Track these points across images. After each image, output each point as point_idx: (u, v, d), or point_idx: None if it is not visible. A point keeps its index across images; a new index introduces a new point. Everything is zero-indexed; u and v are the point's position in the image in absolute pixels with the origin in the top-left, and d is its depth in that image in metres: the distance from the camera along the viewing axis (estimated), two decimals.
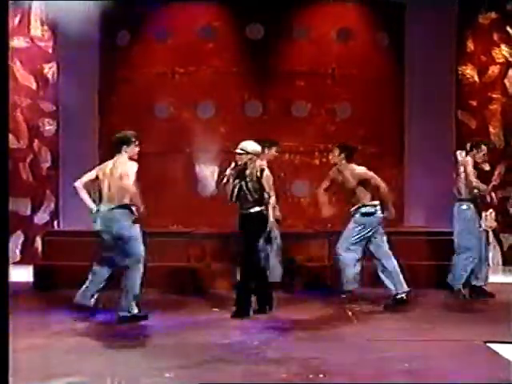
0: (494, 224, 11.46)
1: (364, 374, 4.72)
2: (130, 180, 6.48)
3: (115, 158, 6.79)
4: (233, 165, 6.95)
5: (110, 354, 5.35)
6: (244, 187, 6.84)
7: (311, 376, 4.56)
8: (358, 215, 7.56)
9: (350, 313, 7.02)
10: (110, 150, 10.88)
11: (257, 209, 6.88)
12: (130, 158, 6.73)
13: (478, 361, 5.09)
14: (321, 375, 4.57)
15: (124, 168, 6.58)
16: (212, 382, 4.34)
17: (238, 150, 6.91)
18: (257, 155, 6.96)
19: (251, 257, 6.92)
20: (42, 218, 11.30)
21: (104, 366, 4.90)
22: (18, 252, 11.26)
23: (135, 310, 6.50)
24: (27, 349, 5.46)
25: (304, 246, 9.03)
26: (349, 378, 4.59)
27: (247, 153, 6.88)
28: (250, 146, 6.93)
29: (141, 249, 6.50)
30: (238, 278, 7.21)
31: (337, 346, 5.57)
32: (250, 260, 6.93)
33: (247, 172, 6.85)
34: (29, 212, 11.30)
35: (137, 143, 6.84)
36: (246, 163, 6.86)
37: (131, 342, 5.80)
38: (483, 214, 11.55)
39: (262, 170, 6.90)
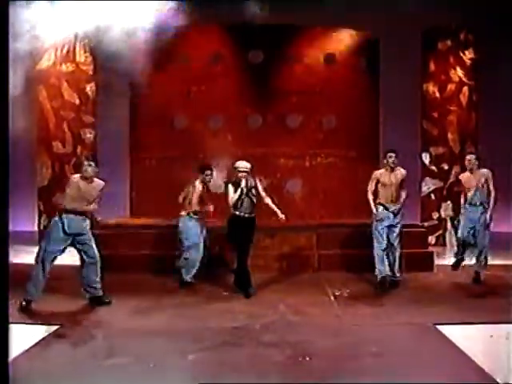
0: (451, 213, 11.76)
1: (340, 356, 4.82)
2: None
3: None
4: (243, 183, 7.03)
5: (142, 339, 5.37)
6: (249, 196, 7.07)
7: (300, 359, 4.67)
8: None
9: (332, 297, 6.95)
10: (138, 154, 11.29)
11: (253, 214, 7.18)
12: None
13: (425, 343, 5.20)
14: (307, 358, 4.68)
15: None
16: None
17: (244, 169, 7.08)
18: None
19: (249, 248, 7.21)
20: None
21: (138, 350, 4.98)
22: None
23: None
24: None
25: (295, 236, 8.91)
26: (329, 360, 4.70)
27: (249, 170, 7.12)
28: (249, 164, 7.15)
29: None
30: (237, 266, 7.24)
31: (319, 329, 5.60)
32: (249, 250, 7.20)
33: (250, 185, 7.08)
34: None
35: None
36: (247, 178, 7.07)
37: (156, 326, 5.80)
38: (442, 205, 11.88)
39: (256, 184, 7.17)
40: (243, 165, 7.11)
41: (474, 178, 7.72)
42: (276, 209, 7.18)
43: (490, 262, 9.35)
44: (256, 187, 7.15)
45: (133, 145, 11.48)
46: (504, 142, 11.72)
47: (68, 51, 11.19)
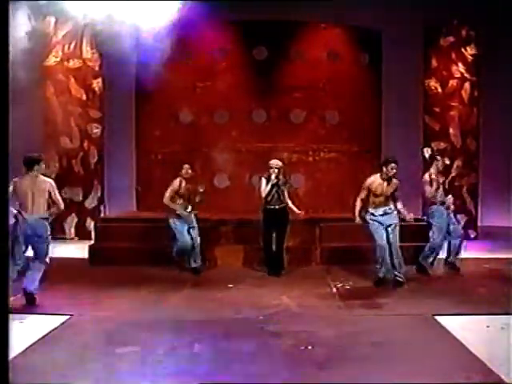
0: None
1: (339, 345, 4.94)
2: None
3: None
4: (273, 176, 7.82)
5: (150, 329, 5.46)
6: (277, 190, 7.89)
7: (302, 348, 4.79)
8: None
9: (334, 289, 7.07)
10: (144, 148, 11.42)
11: (283, 204, 7.91)
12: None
13: (424, 333, 5.33)
14: (309, 347, 4.81)
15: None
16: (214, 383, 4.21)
17: (274, 166, 7.87)
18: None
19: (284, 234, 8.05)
20: (91, 203, 11.55)
21: (146, 339, 5.09)
22: (72, 230, 11.50)
23: None
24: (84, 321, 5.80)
25: (298, 230, 8.88)
26: (328, 349, 4.81)
27: (280, 167, 7.88)
28: (280, 162, 7.98)
29: None
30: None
31: (322, 320, 5.69)
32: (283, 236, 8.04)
33: (279, 180, 7.88)
34: (81, 198, 11.45)
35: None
36: (278, 175, 7.85)
37: (163, 317, 5.90)
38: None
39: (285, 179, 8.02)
40: (274, 162, 7.95)
41: (391, 187, 7.52)
42: (294, 207, 8.01)
43: (493, 255, 9.51)
44: (285, 184, 7.97)
45: (139, 139, 11.60)
46: (505, 137, 11.83)
47: (75, 47, 11.29)
